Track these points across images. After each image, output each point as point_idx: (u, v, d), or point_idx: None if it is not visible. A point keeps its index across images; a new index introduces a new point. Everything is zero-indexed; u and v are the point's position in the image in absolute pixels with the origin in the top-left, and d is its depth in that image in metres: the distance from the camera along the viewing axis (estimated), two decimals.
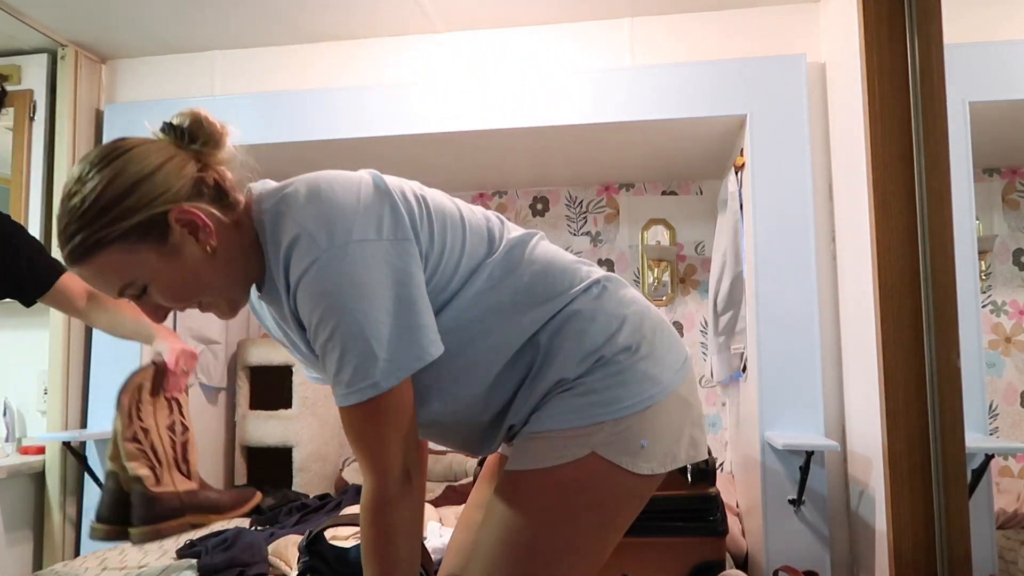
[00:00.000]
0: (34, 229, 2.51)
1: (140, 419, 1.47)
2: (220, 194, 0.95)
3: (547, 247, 1.06)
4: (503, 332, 0.98)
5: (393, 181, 0.98)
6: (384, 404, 0.89)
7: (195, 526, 1.54)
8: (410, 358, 0.89)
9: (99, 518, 1.51)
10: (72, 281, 1.65)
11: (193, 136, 0.95)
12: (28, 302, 1.66)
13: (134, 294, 0.92)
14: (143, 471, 1.46)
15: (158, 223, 0.89)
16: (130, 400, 1.48)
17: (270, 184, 1.01)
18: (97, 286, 0.92)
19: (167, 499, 1.46)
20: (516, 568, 0.94)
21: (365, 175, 0.97)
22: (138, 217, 0.87)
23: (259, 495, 1.66)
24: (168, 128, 0.95)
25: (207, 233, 0.92)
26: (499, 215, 1.10)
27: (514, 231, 1.07)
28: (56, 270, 1.64)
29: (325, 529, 1.48)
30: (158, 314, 0.96)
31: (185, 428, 1.55)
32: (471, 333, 0.98)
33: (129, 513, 1.45)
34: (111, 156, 0.89)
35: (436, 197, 1.02)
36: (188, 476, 1.53)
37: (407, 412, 0.92)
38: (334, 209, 0.90)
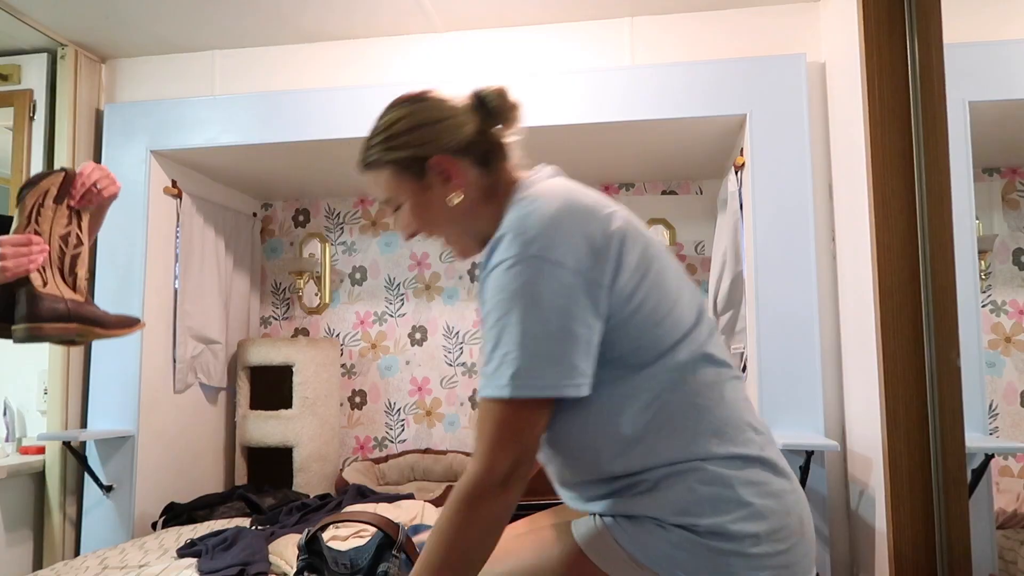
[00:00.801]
0: None
1: (37, 223, 1.43)
2: (486, 160, 1.07)
3: (735, 392, 1.00)
4: (634, 442, 0.96)
5: (632, 229, 0.98)
6: (511, 410, 0.91)
7: (79, 337, 1.49)
8: (545, 384, 0.90)
9: None
10: None
11: (488, 104, 1.09)
12: None
13: (392, 208, 1.12)
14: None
15: (419, 163, 1.06)
16: (34, 202, 1.44)
17: (544, 171, 1.08)
18: (374, 192, 1.13)
19: (53, 300, 1.43)
20: None
21: (616, 210, 0.99)
22: (405, 153, 1.06)
23: (141, 323, 1.61)
24: (475, 93, 1.10)
25: (455, 187, 1.06)
26: (717, 325, 1.06)
27: (718, 351, 1.01)
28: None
29: (325, 527, 1.48)
30: (408, 233, 1.12)
31: (80, 242, 1.50)
32: (605, 416, 0.96)
33: (14, 312, 1.42)
34: (414, 99, 1.09)
35: (664, 267, 1.00)
36: (74, 289, 1.49)
37: (531, 429, 0.92)
38: (551, 225, 0.93)
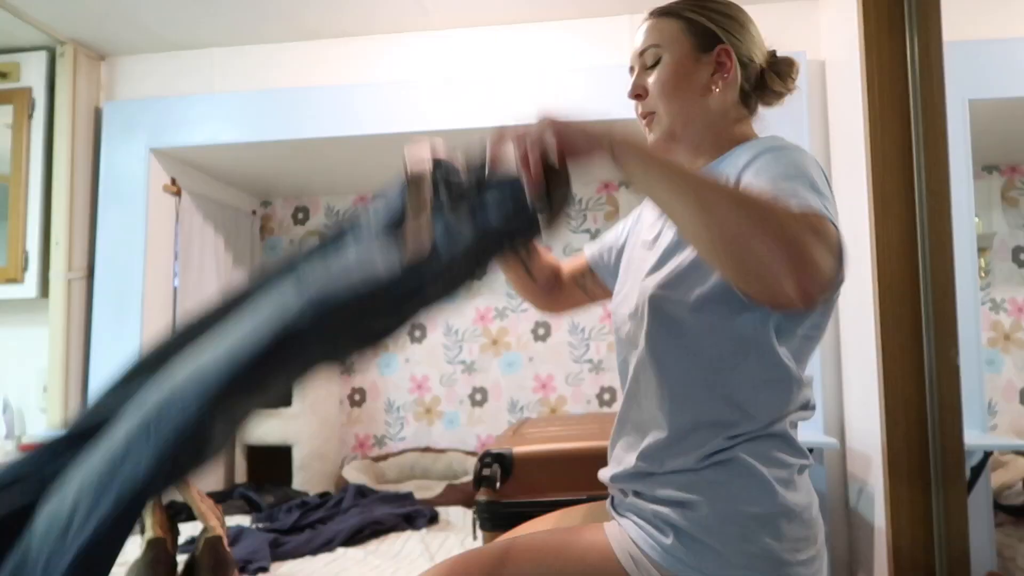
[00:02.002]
0: (33, 227, 2.51)
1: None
2: (747, 95, 1.07)
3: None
4: (753, 385, 0.95)
5: None
6: (832, 227, 0.86)
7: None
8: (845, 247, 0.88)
9: None
10: None
11: (777, 64, 1.09)
12: None
13: (647, 62, 1.08)
14: None
15: (710, 39, 1.05)
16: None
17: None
18: (637, 40, 1.10)
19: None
20: None
21: None
22: (707, 24, 1.05)
23: None
24: (774, 51, 1.11)
25: (721, 79, 1.04)
26: None
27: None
28: None
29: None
30: (636, 92, 1.08)
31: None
32: (758, 347, 0.94)
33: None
34: (737, 5, 1.09)
35: None
36: None
37: (837, 257, 0.86)
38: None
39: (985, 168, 2.10)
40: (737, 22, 1.07)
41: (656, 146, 1.08)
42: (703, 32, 1.05)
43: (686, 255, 0.97)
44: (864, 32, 1.72)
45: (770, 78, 1.08)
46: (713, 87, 1.04)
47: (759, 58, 1.07)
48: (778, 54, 1.10)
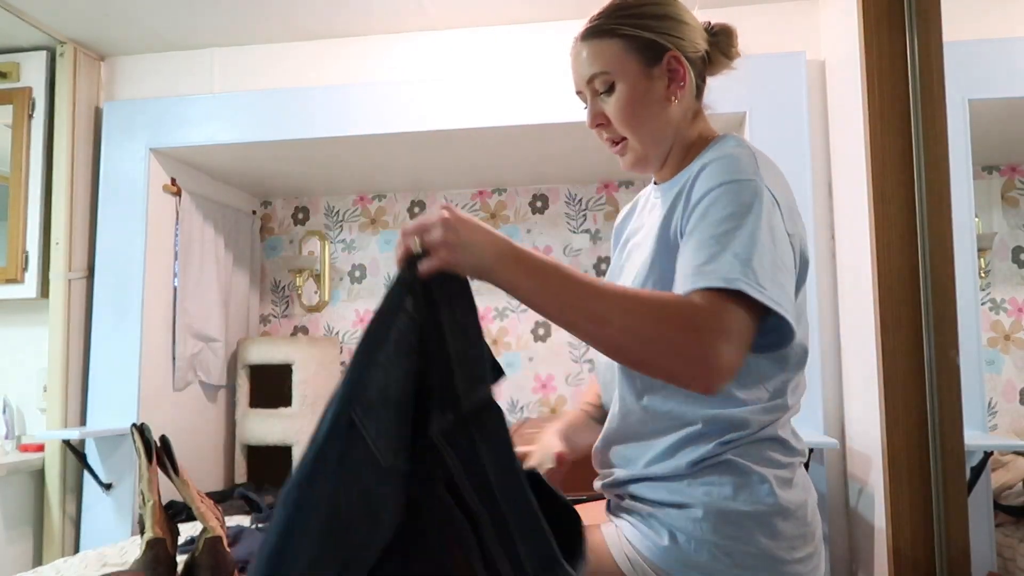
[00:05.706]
0: (33, 227, 2.51)
1: None
2: (701, 81, 1.06)
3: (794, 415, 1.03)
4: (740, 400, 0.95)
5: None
6: (742, 305, 0.82)
7: None
8: (776, 298, 0.83)
9: None
10: None
11: (717, 35, 1.07)
12: None
13: (598, 89, 1.03)
14: None
15: (656, 50, 1.00)
16: None
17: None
18: (579, 68, 1.03)
19: None
20: None
21: None
22: (649, 35, 1.00)
23: None
24: (707, 21, 1.08)
25: (679, 86, 1.01)
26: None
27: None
28: None
29: None
30: (596, 121, 1.04)
31: None
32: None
33: None
34: None
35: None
36: None
37: (750, 333, 0.82)
38: (775, 169, 0.96)
39: (985, 168, 2.10)
40: (673, 20, 1.02)
41: (628, 168, 1.05)
42: (646, 45, 1.00)
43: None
44: (864, 32, 1.72)
45: (715, 57, 1.06)
46: (672, 98, 1.02)
47: (702, 43, 1.04)
48: (712, 24, 1.07)
